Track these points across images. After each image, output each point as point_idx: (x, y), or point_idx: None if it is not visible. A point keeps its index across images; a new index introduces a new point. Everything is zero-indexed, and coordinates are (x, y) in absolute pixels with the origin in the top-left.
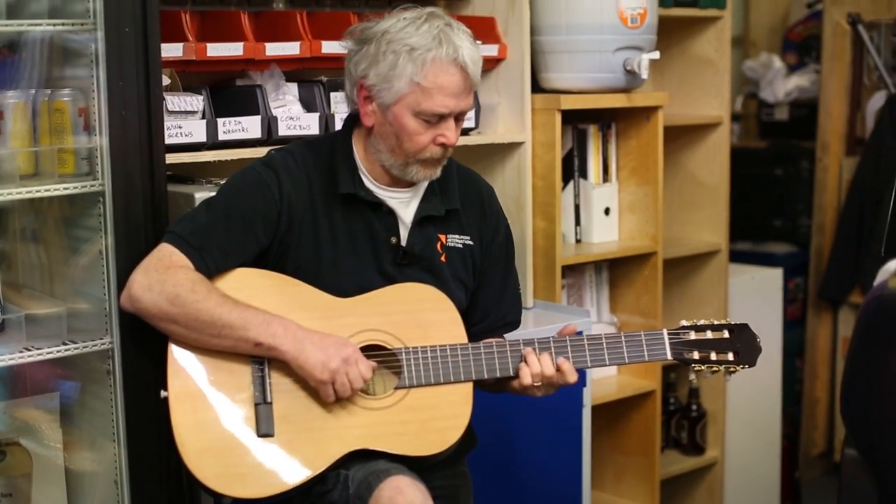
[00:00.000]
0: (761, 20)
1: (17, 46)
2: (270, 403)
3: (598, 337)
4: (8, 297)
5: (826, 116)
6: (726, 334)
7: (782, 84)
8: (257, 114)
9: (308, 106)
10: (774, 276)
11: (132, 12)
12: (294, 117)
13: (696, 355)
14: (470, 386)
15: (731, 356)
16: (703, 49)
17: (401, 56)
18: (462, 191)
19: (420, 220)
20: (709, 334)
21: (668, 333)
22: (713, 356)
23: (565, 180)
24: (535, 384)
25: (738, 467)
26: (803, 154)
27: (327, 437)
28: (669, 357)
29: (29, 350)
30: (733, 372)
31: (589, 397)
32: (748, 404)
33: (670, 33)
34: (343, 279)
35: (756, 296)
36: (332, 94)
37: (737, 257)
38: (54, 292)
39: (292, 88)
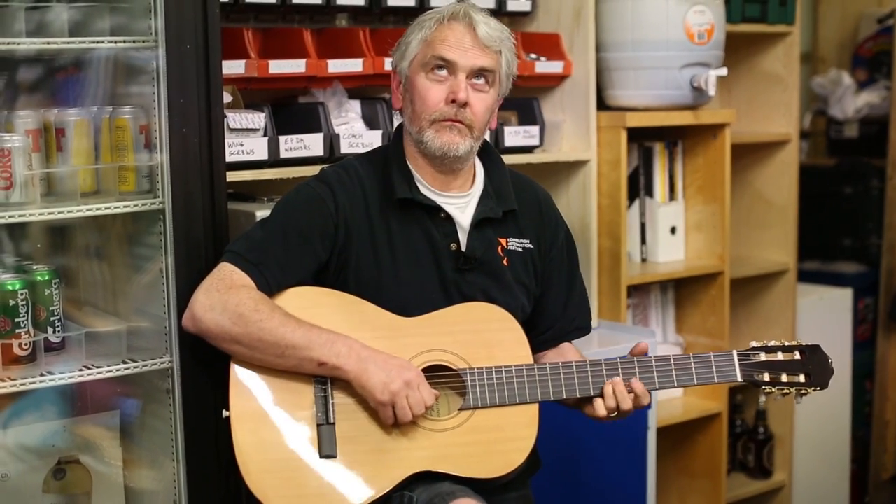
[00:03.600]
0: (830, 36)
1: (81, 64)
2: (333, 424)
3: (667, 358)
4: (69, 315)
5: None
6: (797, 356)
7: (852, 101)
8: (319, 131)
9: (371, 123)
10: (844, 296)
11: (193, 29)
12: (356, 134)
13: (766, 377)
14: (536, 407)
15: (802, 378)
16: (771, 65)
17: (415, 29)
18: (518, 195)
19: (478, 224)
20: (779, 356)
21: (738, 354)
22: (784, 378)
23: (631, 199)
24: (611, 415)
25: (806, 491)
26: (873, 172)
27: (391, 459)
28: (739, 379)
29: (89, 368)
30: (804, 394)
31: (654, 419)
32: (816, 427)
33: (738, 49)
34: (405, 290)
35: (825, 316)
36: (395, 112)
37: (805, 277)
38: (115, 310)
39: (355, 106)
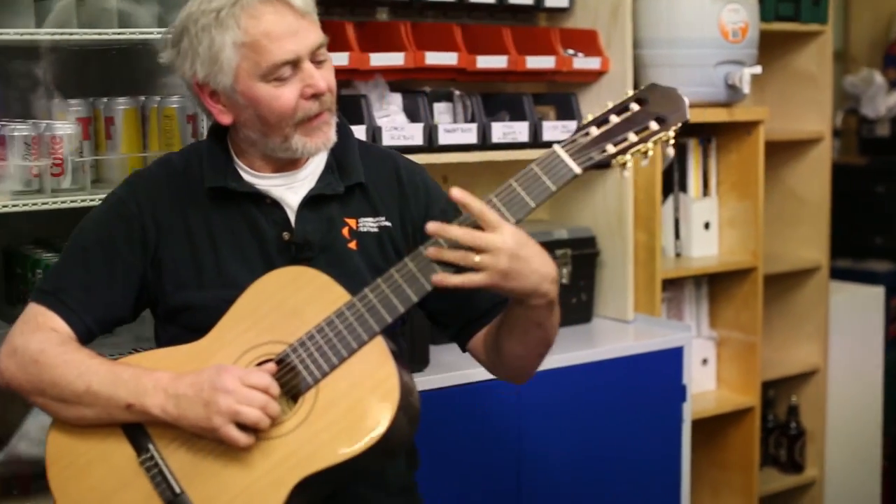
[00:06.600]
0: (862, 35)
1: (130, 54)
2: (182, 493)
3: (489, 199)
4: None
5: None
6: (637, 107)
7: (883, 100)
8: (362, 123)
9: (412, 116)
10: (876, 294)
11: None
12: (398, 127)
13: (611, 149)
14: (379, 341)
15: (655, 125)
16: (804, 64)
17: (211, 27)
18: (369, 167)
19: (311, 204)
20: (615, 118)
21: (562, 146)
22: (633, 137)
23: (665, 194)
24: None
25: (838, 487)
26: None
27: (262, 488)
28: (579, 171)
29: None
30: (668, 141)
31: (689, 412)
32: (848, 424)
33: (771, 48)
34: (231, 290)
35: (857, 314)
36: (436, 105)
37: (837, 274)
38: None
39: (396, 99)
